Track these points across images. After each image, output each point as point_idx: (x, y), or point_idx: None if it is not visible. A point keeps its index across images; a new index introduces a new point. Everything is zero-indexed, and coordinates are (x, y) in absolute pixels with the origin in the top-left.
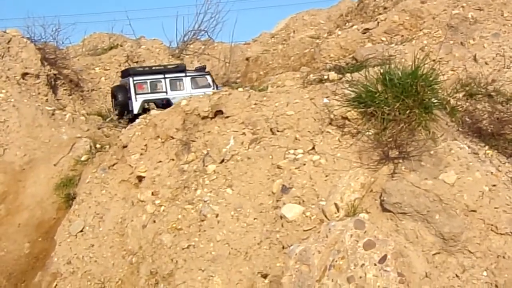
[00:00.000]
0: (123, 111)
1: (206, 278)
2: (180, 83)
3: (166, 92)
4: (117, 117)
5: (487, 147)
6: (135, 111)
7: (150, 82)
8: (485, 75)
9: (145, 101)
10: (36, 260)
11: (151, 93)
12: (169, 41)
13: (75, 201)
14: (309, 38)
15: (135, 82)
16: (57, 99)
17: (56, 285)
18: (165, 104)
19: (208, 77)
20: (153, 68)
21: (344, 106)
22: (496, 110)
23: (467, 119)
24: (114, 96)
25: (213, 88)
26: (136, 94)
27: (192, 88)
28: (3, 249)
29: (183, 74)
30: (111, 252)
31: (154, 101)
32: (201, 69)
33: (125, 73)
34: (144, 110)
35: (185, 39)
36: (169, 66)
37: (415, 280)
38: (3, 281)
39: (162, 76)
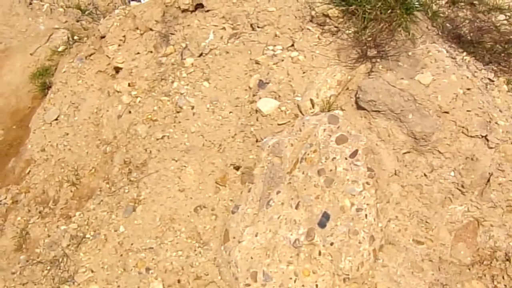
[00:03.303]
0: None
1: (178, 168)
2: None
3: None
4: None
5: (465, 53)
6: None
7: None
8: None
9: None
10: (10, 147)
11: None
12: None
13: (50, 90)
14: None
15: None
16: None
17: (30, 171)
18: None
19: None
20: None
21: (326, 3)
22: (477, 18)
23: (448, 25)
24: None
25: None
26: None
27: None
28: None
29: None
30: (86, 141)
31: None
32: None
33: None
34: None
35: None
36: None
37: (383, 177)
38: None
39: None
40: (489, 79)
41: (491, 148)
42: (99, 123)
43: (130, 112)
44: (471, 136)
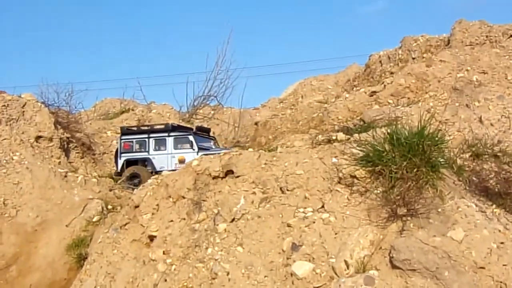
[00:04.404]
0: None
1: None
2: (163, 143)
3: (148, 151)
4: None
5: (494, 206)
6: (118, 169)
7: (135, 141)
8: (491, 136)
9: (127, 161)
10: None
11: (135, 152)
12: (179, 105)
13: (86, 261)
14: (317, 102)
15: (122, 141)
16: (70, 162)
17: None
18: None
19: (190, 137)
20: (142, 127)
21: (352, 165)
22: (503, 170)
23: (474, 179)
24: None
25: (194, 149)
26: (121, 153)
27: (174, 148)
28: None
29: (166, 134)
30: None
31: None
32: (200, 129)
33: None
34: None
35: (195, 104)
36: (156, 126)
37: None
38: None
39: (147, 135)
40: None
41: None
42: None
43: (165, 280)
44: None
